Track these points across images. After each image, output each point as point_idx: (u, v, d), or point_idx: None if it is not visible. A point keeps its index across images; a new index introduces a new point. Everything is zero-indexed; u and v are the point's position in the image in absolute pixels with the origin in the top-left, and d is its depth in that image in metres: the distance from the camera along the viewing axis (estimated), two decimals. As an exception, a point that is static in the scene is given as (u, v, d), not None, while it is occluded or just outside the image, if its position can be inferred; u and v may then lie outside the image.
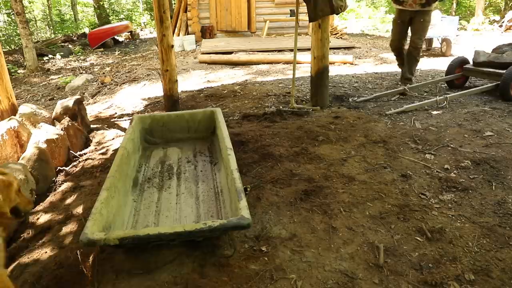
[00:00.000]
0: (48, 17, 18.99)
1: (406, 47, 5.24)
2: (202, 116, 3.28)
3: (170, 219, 2.23)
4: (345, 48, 9.57)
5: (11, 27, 14.08)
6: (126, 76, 7.33)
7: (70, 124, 3.49)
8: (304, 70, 6.54)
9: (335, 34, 11.59)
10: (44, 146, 2.95)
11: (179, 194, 2.50)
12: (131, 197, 2.43)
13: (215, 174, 2.71)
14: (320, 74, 4.25)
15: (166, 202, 2.41)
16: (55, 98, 6.04)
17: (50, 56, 10.70)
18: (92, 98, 6.05)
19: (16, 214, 1.70)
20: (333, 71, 6.12)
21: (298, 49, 4.33)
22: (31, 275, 1.88)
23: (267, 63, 7.73)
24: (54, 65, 9.70)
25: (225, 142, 2.59)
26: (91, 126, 4.11)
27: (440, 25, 8.07)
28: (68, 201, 2.61)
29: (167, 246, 1.94)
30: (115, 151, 2.49)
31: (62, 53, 10.88)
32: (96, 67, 9.12)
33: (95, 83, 7.06)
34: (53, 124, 3.51)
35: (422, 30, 4.83)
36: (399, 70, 6.84)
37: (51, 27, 18.26)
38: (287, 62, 7.57)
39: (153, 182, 2.65)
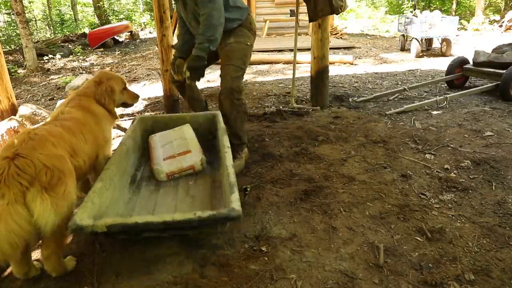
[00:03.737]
0: (48, 17, 18.98)
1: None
2: (204, 119, 3.28)
3: None
4: (345, 48, 9.59)
5: (11, 27, 14.08)
6: (126, 76, 7.33)
7: (70, 124, 3.49)
8: (304, 70, 6.54)
9: (335, 34, 11.60)
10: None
11: (176, 191, 2.49)
12: (127, 193, 2.43)
13: (214, 175, 2.71)
14: (320, 74, 4.25)
15: (162, 200, 2.40)
16: (55, 98, 6.03)
17: (50, 56, 10.69)
18: (92, 98, 6.03)
19: (125, 106, 2.62)
20: (333, 71, 6.13)
21: (298, 49, 4.34)
22: (31, 275, 1.87)
23: (267, 63, 7.73)
24: (54, 65, 9.70)
25: (223, 141, 2.59)
26: (91, 126, 4.10)
27: (440, 25, 8.09)
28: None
29: (166, 245, 1.94)
30: (115, 151, 2.49)
31: (62, 53, 10.87)
32: (96, 67, 9.11)
33: (95, 83, 7.05)
34: (53, 124, 3.50)
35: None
36: (399, 70, 6.86)
37: (51, 27, 18.25)
38: (287, 62, 7.57)
39: (151, 181, 2.65)
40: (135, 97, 2.64)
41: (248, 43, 2.83)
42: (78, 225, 1.65)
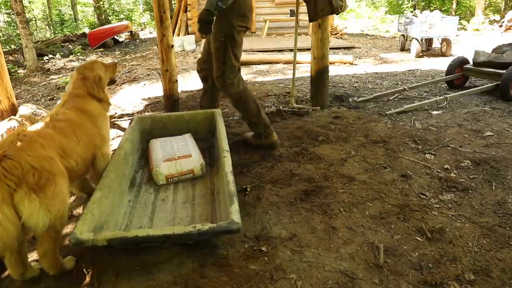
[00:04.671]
0: (48, 17, 18.99)
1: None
2: (203, 117, 3.28)
3: (164, 221, 2.21)
4: (345, 48, 9.58)
5: (11, 27, 14.09)
6: (126, 76, 7.33)
7: (70, 124, 3.48)
8: (304, 70, 6.54)
9: (335, 34, 11.60)
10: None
11: (176, 196, 2.49)
12: (127, 197, 2.43)
13: (213, 176, 2.71)
14: (320, 74, 4.25)
15: (162, 204, 2.40)
16: (55, 98, 6.03)
17: (50, 56, 10.69)
18: (92, 98, 6.03)
19: (111, 82, 2.63)
20: (333, 71, 6.12)
21: (298, 49, 4.33)
22: (31, 275, 1.87)
23: (267, 63, 7.73)
24: (54, 65, 9.70)
25: (222, 144, 2.58)
26: (91, 126, 4.10)
27: (440, 25, 8.08)
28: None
29: (166, 246, 1.94)
30: (113, 155, 2.49)
31: (62, 53, 10.87)
32: (96, 67, 9.10)
33: (95, 83, 7.04)
34: (53, 124, 3.50)
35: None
36: (399, 70, 6.86)
37: (51, 27, 18.25)
38: (287, 62, 7.57)
39: (151, 183, 2.65)
40: (115, 66, 2.66)
41: (222, 38, 2.74)
42: (78, 239, 1.65)
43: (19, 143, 1.67)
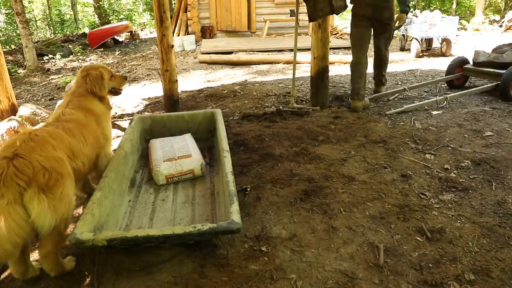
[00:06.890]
0: (48, 17, 18.99)
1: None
2: (203, 117, 3.28)
3: (165, 221, 2.21)
4: (345, 48, 9.58)
5: (11, 27, 14.08)
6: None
7: (70, 124, 3.48)
8: (304, 70, 6.54)
9: (335, 34, 11.61)
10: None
11: (176, 196, 2.49)
12: (127, 197, 2.43)
13: (213, 176, 2.71)
14: (320, 74, 4.25)
15: (162, 204, 2.40)
16: (55, 98, 6.03)
17: (50, 56, 10.69)
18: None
19: (115, 93, 2.64)
20: (333, 71, 6.12)
21: (298, 49, 4.33)
22: (31, 275, 1.87)
23: (267, 63, 7.73)
24: (54, 65, 9.69)
25: (222, 144, 2.58)
26: (91, 126, 4.10)
27: (440, 25, 8.08)
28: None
29: (166, 246, 1.94)
30: (114, 151, 2.49)
31: (62, 53, 10.86)
32: (96, 67, 9.09)
33: (95, 83, 7.03)
34: (53, 124, 3.50)
35: None
36: (399, 70, 6.85)
37: (51, 27, 18.26)
38: (287, 62, 7.57)
39: (151, 183, 2.65)
40: (123, 80, 2.66)
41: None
42: (78, 239, 1.66)
43: (31, 143, 1.67)
